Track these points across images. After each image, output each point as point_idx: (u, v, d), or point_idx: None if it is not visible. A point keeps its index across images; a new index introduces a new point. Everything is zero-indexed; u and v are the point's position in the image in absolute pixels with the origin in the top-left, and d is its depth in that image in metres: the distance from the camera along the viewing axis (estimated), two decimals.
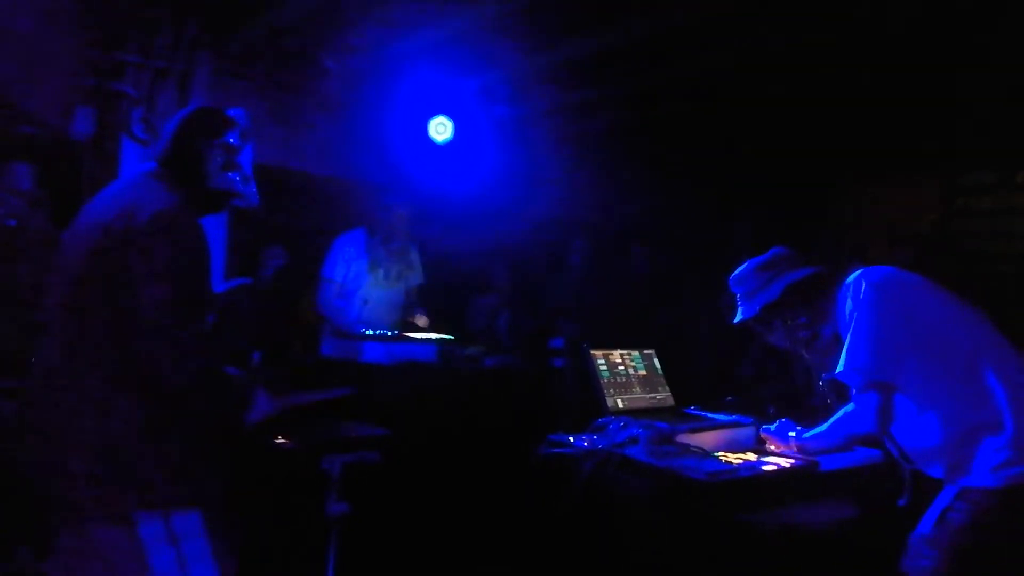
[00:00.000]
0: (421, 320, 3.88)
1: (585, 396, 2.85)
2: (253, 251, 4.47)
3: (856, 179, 6.10)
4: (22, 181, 3.92)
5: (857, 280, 2.13)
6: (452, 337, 3.70)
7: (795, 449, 2.45)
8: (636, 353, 2.94)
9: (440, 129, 4.81)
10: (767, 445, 2.57)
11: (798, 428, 2.50)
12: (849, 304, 2.12)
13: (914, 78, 4.37)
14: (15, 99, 3.99)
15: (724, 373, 3.25)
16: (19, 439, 1.84)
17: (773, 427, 2.53)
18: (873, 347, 2.04)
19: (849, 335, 2.10)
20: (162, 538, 1.67)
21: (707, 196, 5.98)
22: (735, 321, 2.38)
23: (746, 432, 2.62)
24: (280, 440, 2.38)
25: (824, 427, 2.35)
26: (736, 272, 2.39)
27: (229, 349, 2.10)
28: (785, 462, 2.37)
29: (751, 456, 2.42)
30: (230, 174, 1.92)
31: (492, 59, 4.44)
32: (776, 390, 3.11)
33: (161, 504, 1.68)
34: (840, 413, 2.30)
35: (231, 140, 1.92)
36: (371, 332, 3.52)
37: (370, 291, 3.95)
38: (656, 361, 2.98)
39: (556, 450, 2.51)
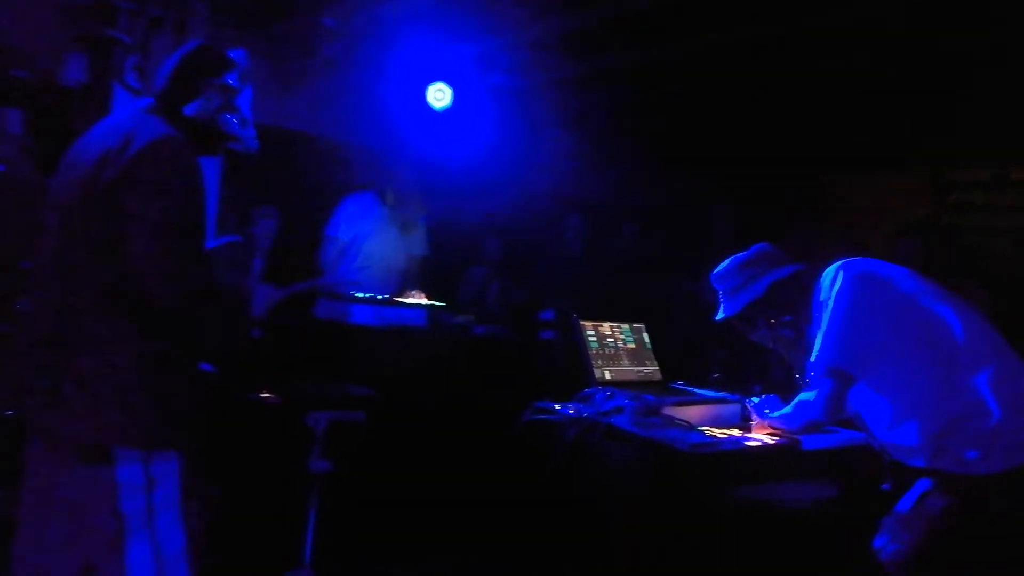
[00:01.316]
0: (414, 294, 3.87)
1: (572, 367, 2.85)
2: (243, 208, 4.42)
3: (850, 170, 6.10)
4: (13, 126, 3.86)
5: (834, 271, 2.12)
6: (443, 304, 3.69)
7: (765, 425, 2.46)
8: (626, 327, 2.94)
9: (438, 95, 4.75)
10: (751, 422, 2.59)
11: (780, 406, 2.50)
12: (823, 294, 2.11)
13: (912, 72, 4.36)
14: (7, 43, 3.91)
15: (703, 354, 3.25)
16: (10, 373, 1.81)
17: (756, 400, 2.53)
18: (838, 338, 2.03)
19: (821, 328, 2.08)
20: (138, 483, 1.66)
21: (700, 178, 5.97)
22: (716, 318, 2.36)
23: (732, 408, 2.63)
24: (266, 394, 2.37)
25: (785, 410, 2.35)
26: (718, 268, 2.37)
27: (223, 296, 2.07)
28: (769, 439, 2.38)
29: (736, 432, 2.43)
30: (228, 115, 1.88)
31: (491, 26, 4.37)
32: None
33: (143, 442, 1.66)
34: (797, 398, 2.29)
35: (230, 81, 1.88)
36: (362, 295, 3.51)
37: (371, 254, 3.94)
38: (645, 335, 2.98)
39: (541, 416, 2.52)
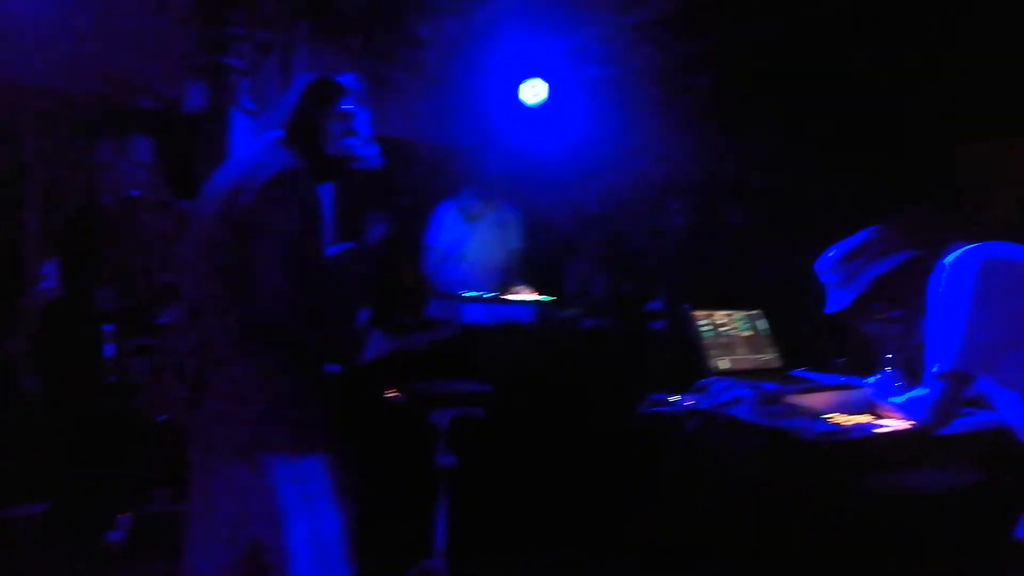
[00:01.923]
0: (520, 290, 3.94)
1: (686, 358, 2.82)
2: (356, 216, 4.62)
3: (988, 138, 5.68)
4: (143, 153, 4.19)
5: (955, 260, 1.95)
6: (551, 299, 3.73)
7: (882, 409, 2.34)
8: (741, 314, 2.89)
9: (534, 91, 4.78)
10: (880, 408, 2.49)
11: (899, 387, 2.34)
12: (942, 285, 1.95)
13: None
14: (134, 77, 4.24)
15: (836, 334, 3.11)
16: (157, 388, 2.01)
17: (873, 380, 2.40)
18: (957, 338, 1.87)
19: (938, 322, 1.94)
20: (288, 479, 1.79)
21: (812, 152, 5.73)
22: (826, 311, 2.25)
23: (859, 394, 2.53)
24: (391, 394, 2.48)
25: (898, 399, 2.21)
26: (821, 260, 2.25)
27: (339, 312, 2.19)
28: (901, 424, 2.29)
29: (865, 419, 2.35)
30: (349, 140, 1.99)
31: (583, 18, 4.37)
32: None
33: (287, 449, 1.80)
34: (911, 392, 2.15)
35: (347, 107, 1.98)
36: (471, 294, 3.60)
37: (471, 253, 4.05)
38: (762, 322, 2.92)
39: (659, 409, 2.51)
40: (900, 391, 2.32)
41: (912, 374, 2.35)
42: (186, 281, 1.96)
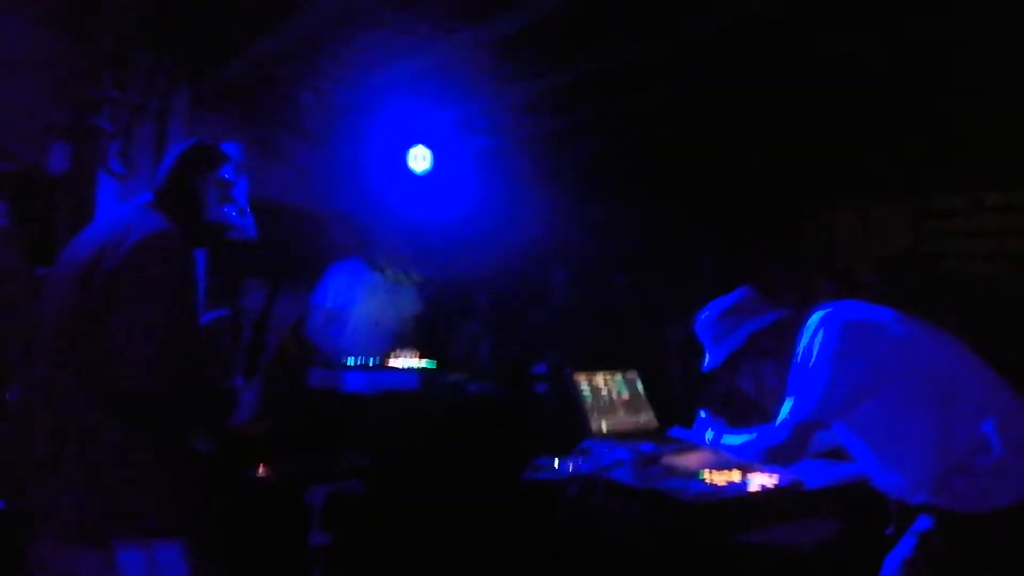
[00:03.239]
0: (404, 355, 3.88)
1: (568, 420, 2.85)
2: (231, 282, 4.45)
3: (834, 202, 6.21)
4: None
5: (818, 320, 2.09)
6: (434, 364, 3.69)
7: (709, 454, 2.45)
8: (619, 376, 2.95)
9: (419, 159, 4.83)
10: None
11: (719, 428, 2.46)
12: (804, 342, 2.09)
13: (888, 104, 4.47)
14: None
15: (698, 398, 3.26)
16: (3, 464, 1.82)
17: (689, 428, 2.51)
18: (815, 393, 2.01)
19: (800, 376, 2.06)
20: (142, 569, 1.65)
21: (682, 219, 6.06)
22: (704, 368, 2.35)
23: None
24: (261, 471, 2.35)
25: (743, 438, 2.30)
26: (701, 317, 2.37)
27: (211, 380, 2.08)
28: (770, 482, 2.38)
29: (736, 475, 2.42)
30: (225, 208, 1.94)
31: (469, 91, 4.49)
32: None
33: (143, 535, 1.66)
34: (745, 436, 2.29)
35: (226, 175, 1.94)
36: (353, 361, 3.51)
37: (361, 319, 3.98)
38: (639, 384, 2.99)
39: (541, 475, 2.50)
40: (718, 433, 2.44)
41: (749, 419, 2.45)
42: (37, 352, 1.80)
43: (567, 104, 4.74)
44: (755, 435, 2.23)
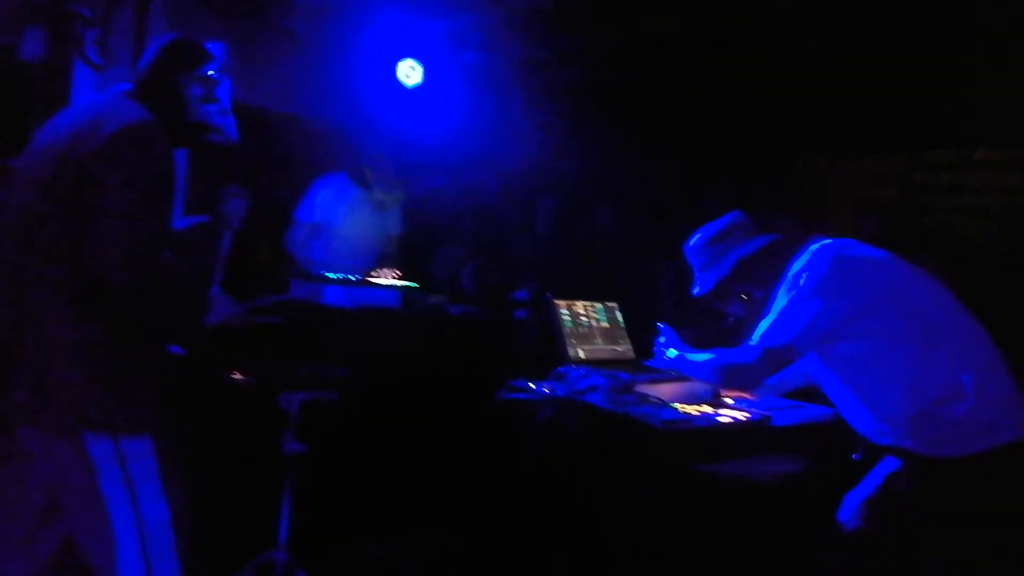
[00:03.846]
0: (385, 274, 3.85)
1: (546, 347, 2.85)
2: (211, 188, 4.34)
3: (823, 154, 6.17)
4: None
5: (815, 252, 2.08)
6: (416, 285, 3.67)
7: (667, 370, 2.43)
8: (599, 305, 2.95)
9: (409, 73, 4.69)
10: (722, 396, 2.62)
11: (681, 345, 2.40)
12: (796, 269, 2.08)
13: (886, 59, 4.39)
14: None
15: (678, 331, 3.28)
16: None
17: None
18: (805, 324, 1.98)
19: (782, 303, 2.05)
20: (111, 458, 1.64)
21: (675, 161, 5.99)
22: (693, 294, 2.35)
23: (703, 386, 2.65)
24: (237, 375, 2.34)
25: (707, 356, 2.25)
26: (689, 243, 2.35)
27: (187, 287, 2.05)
28: (741, 415, 2.42)
29: (708, 408, 2.46)
30: (207, 107, 1.86)
31: (462, 2, 4.33)
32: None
33: (107, 428, 1.65)
34: (702, 355, 2.26)
35: (209, 73, 1.86)
36: (334, 276, 3.48)
37: (345, 235, 3.93)
38: (618, 314, 3.00)
39: (516, 395, 2.52)
40: (681, 350, 2.37)
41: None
42: (4, 243, 1.74)
43: (564, 26, 4.59)
44: (717, 354, 2.21)
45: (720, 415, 2.40)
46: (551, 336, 2.80)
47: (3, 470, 1.74)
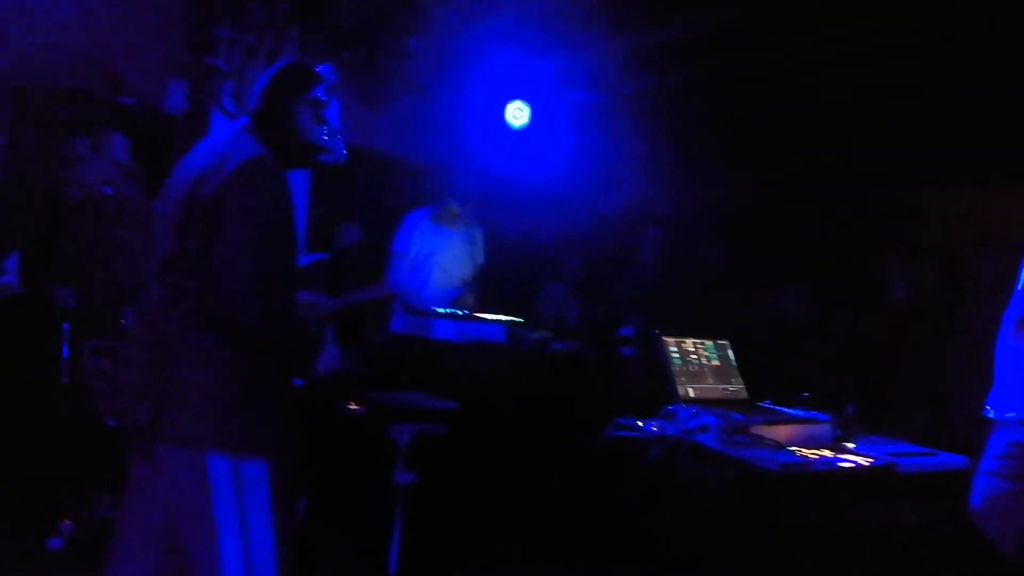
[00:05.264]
0: (467, 301, 3.87)
1: (653, 384, 2.80)
2: (329, 227, 4.56)
3: (951, 181, 5.80)
4: (119, 151, 4.11)
5: None
6: (521, 320, 3.70)
7: None
8: (710, 343, 2.88)
9: (517, 114, 4.80)
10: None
11: None
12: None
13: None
14: (116, 72, 4.19)
15: (789, 373, 3.14)
16: (110, 390, 1.93)
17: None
18: None
19: None
20: (227, 474, 1.72)
21: (782, 192, 5.82)
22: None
23: (822, 428, 2.53)
24: (352, 406, 2.42)
25: None
26: None
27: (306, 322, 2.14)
28: (863, 460, 2.29)
29: (827, 452, 2.34)
30: (317, 128, 1.95)
31: (570, 42, 4.40)
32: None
33: (227, 447, 1.72)
34: None
35: (319, 95, 1.95)
36: (442, 310, 3.56)
37: (445, 267, 3.99)
38: (730, 352, 2.91)
39: (623, 432, 2.48)
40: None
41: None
42: (149, 279, 1.90)
43: (671, 62, 4.58)
44: None
45: (841, 460, 2.28)
46: (659, 373, 2.75)
47: (134, 482, 1.85)
